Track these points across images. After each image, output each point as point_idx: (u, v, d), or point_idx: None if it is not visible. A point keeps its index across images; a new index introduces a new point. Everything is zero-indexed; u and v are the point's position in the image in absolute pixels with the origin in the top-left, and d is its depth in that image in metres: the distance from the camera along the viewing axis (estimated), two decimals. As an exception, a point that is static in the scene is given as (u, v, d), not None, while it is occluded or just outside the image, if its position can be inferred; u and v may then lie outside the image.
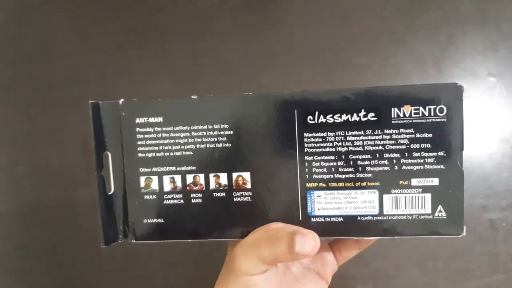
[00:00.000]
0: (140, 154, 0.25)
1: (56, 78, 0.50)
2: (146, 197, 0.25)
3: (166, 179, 0.25)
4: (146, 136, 0.25)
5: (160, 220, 0.25)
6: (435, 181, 0.23)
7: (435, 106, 0.23)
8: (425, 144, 0.23)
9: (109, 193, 0.26)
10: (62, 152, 0.49)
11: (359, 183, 0.24)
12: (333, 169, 0.24)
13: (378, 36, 0.46)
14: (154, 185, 0.25)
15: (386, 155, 0.23)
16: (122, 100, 0.25)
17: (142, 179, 0.25)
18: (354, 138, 0.23)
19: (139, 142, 0.25)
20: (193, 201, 0.25)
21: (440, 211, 0.24)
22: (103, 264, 0.48)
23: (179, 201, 0.25)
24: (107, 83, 0.49)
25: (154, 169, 0.25)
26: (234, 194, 0.25)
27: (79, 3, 0.51)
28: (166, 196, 0.25)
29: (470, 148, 0.44)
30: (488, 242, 0.43)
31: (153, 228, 0.26)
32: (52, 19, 0.51)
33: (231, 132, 0.24)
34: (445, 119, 0.23)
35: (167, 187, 0.25)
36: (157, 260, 0.47)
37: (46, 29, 0.51)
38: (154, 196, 0.25)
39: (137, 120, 0.25)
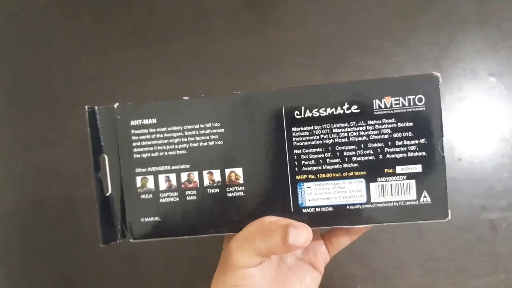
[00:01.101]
0: (135, 155, 0.26)
1: (56, 78, 0.50)
2: (143, 196, 0.26)
3: (162, 178, 0.26)
4: (141, 137, 0.26)
5: (157, 218, 0.26)
6: (418, 168, 0.24)
7: (414, 96, 0.24)
8: (407, 133, 0.24)
9: (107, 194, 0.26)
10: (62, 152, 0.49)
11: (346, 173, 0.25)
12: (321, 160, 0.25)
13: (378, 36, 0.46)
14: (150, 185, 0.26)
15: (371, 145, 0.24)
16: (117, 104, 0.26)
17: (138, 179, 0.26)
18: (339, 130, 0.25)
19: (134, 144, 0.26)
20: (188, 198, 0.26)
21: (424, 197, 0.24)
22: (103, 264, 0.48)
23: (174, 199, 0.26)
24: (106, 83, 0.49)
25: (149, 169, 0.26)
26: (228, 189, 0.25)
27: (79, 3, 0.51)
28: (162, 195, 0.26)
29: (470, 148, 0.44)
30: (488, 242, 0.43)
31: (151, 227, 0.26)
32: (52, 19, 0.51)
33: (223, 130, 0.25)
34: (424, 108, 0.24)
35: (163, 185, 0.26)
36: (156, 259, 0.47)
37: (46, 29, 0.51)
38: (150, 195, 0.26)
39: (132, 123, 0.26)
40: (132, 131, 0.26)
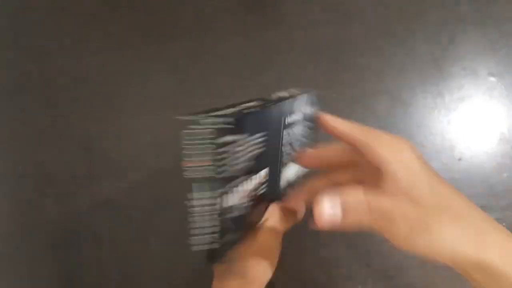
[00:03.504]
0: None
1: (56, 78, 0.50)
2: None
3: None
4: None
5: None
6: None
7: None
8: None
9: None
10: (62, 152, 0.49)
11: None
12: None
13: (378, 36, 0.46)
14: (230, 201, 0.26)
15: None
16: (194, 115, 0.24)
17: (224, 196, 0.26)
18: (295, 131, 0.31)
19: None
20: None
21: None
22: (103, 264, 0.48)
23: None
24: (107, 83, 0.49)
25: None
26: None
27: (80, 3, 0.51)
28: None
29: (470, 148, 0.44)
30: (488, 242, 0.43)
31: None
32: (52, 19, 0.51)
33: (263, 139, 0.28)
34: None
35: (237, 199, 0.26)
36: (156, 259, 0.47)
37: (46, 29, 0.51)
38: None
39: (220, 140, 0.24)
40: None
